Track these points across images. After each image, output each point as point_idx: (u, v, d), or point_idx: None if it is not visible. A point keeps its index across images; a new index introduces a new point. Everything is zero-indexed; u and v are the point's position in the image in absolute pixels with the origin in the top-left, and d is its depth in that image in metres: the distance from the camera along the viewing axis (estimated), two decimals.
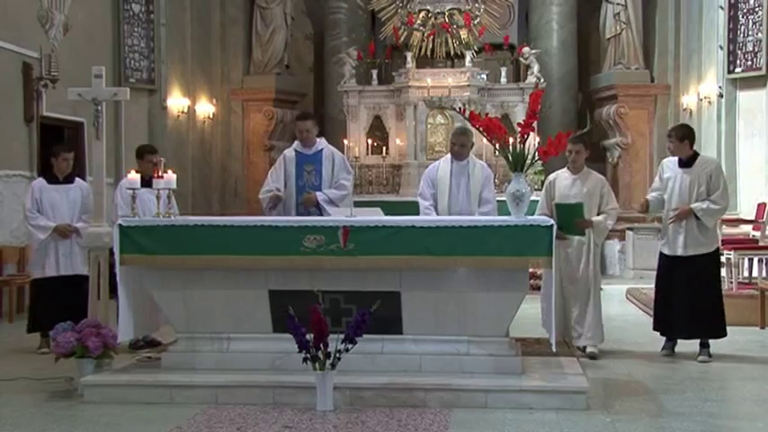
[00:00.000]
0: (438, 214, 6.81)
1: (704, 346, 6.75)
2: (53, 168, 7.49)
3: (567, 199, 6.71)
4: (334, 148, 7.43)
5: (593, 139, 14.39)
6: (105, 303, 6.34)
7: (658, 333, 6.98)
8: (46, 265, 7.22)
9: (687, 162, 6.78)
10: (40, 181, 7.51)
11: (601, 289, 7.05)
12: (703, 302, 6.67)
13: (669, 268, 6.84)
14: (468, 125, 6.29)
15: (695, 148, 6.92)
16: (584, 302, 6.75)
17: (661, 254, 6.94)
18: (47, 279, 7.22)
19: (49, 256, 7.20)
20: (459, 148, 6.89)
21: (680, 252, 6.74)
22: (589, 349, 6.75)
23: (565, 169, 6.97)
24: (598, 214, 6.74)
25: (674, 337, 6.90)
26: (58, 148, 7.66)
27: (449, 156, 7.07)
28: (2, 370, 6.49)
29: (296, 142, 7.34)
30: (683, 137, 6.82)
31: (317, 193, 6.99)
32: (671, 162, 6.93)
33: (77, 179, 7.62)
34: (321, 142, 7.26)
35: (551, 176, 7.06)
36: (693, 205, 6.66)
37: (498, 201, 6.88)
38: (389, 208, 7.01)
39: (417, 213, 7.01)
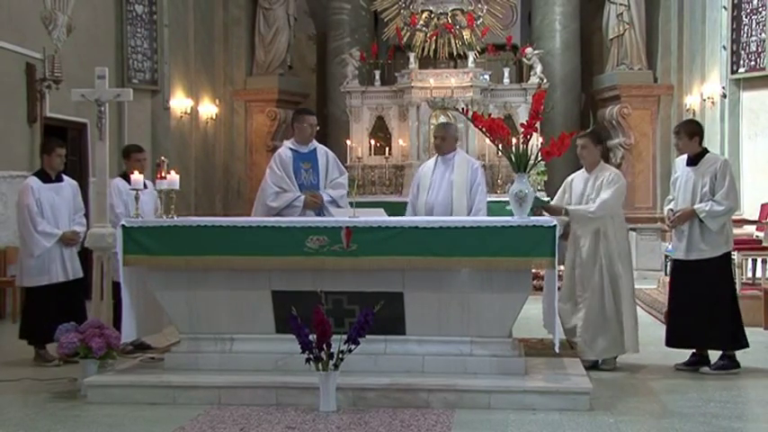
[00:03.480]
0: (416, 212, 6.74)
1: (721, 358, 6.36)
2: (43, 165, 7.18)
3: (581, 200, 6.46)
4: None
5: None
6: (108, 304, 6.33)
7: (671, 348, 6.51)
8: (51, 271, 6.96)
9: (694, 160, 6.45)
10: (35, 180, 7.12)
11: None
12: (707, 310, 6.29)
13: (675, 272, 6.58)
14: (461, 124, 6.29)
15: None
16: (590, 311, 6.37)
17: (673, 258, 6.63)
18: (50, 286, 6.96)
19: (54, 261, 6.97)
20: (440, 141, 6.88)
21: (682, 256, 6.42)
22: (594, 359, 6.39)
23: (582, 170, 6.68)
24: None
25: (679, 347, 6.50)
26: (51, 144, 7.32)
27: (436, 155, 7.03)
28: (5, 371, 6.51)
29: (289, 140, 7.08)
30: (693, 133, 6.49)
31: (323, 195, 6.79)
32: (680, 160, 6.63)
33: (65, 177, 7.30)
34: (314, 140, 7.06)
35: (570, 177, 6.78)
36: (696, 206, 6.31)
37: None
38: (392, 208, 7.02)
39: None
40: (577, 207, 6.42)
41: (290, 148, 6.95)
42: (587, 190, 6.52)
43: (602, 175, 6.53)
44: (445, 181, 6.76)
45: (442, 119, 13.66)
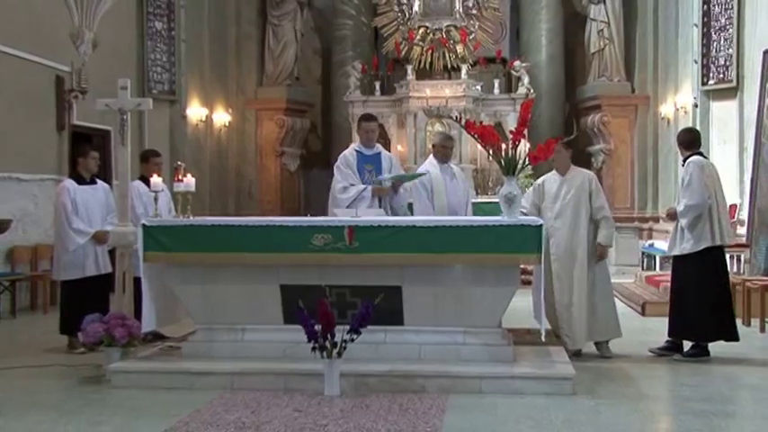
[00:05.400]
0: (436, 212, 6.79)
1: (693, 346, 6.35)
2: (78, 167, 7.18)
3: (556, 200, 6.47)
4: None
5: (579, 145, 14.45)
6: (130, 297, 6.33)
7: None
8: (86, 266, 6.94)
9: (684, 164, 6.56)
10: (71, 182, 7.12)
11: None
12: (678, 303, 6.35)
13: (672, 266, 6.63)
14: (455, 131, 6.41)
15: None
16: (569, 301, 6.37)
17: None
18: (82, 279, 6.93)
19: (88, 257, 6.94)
20: (449, 150, 7.17)
21: (668, 251, 6.55)
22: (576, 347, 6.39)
23: (553, 172, 6.70)
24: (598, 223, 6.42)
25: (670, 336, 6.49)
26: (86, 147, 7.36)
27: (431, 159, 7.16)
28: (38, 357, 6.53)
29: (355, 143, 7.14)
30: (680, 142, 6.63)
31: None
32: None
33: (99, 180, 7.32)
34: (378, 145, 7.10)
35: (540, 179, 6.79)
36: (677, 207, 6.42)
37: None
38: None
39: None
40: (606, 227, 6.44)
41: (356, 150, 6.99)
42: (563, 190, 6.51)
43: (577, 178, 6.53)
44: (454, 186, 7.01)
45: (438, 126, 13.67)
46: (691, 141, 6.63)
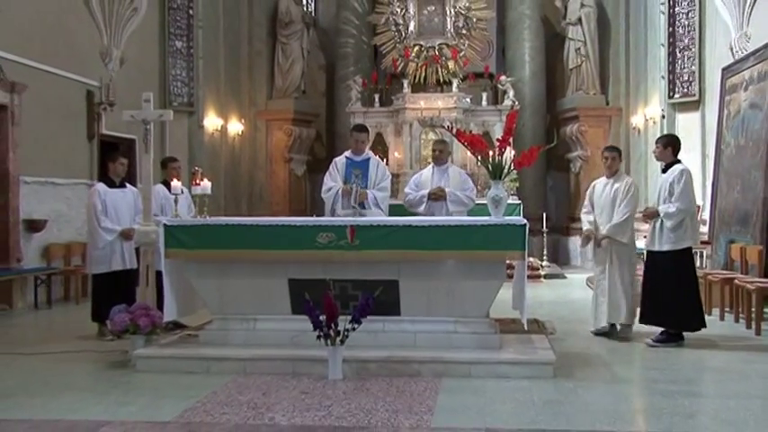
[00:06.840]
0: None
1: (662, 333, 6.34)
2: (109, 172, 7.17)
3: (600, 198, 6.79)
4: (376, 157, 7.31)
5: (559, 152, 14.46)
6: (152, 290, 6.32)
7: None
8: (112, 261, 6.94)
9: (666, 168, 6.52)
10: (101, 185, 7.13)
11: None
12: (659, 294, 6.32)
13: (646, 260, 6.63)
14: (447, 138, 6.44)
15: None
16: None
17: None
18: (110, 273, 6.94)
19: (115, 253, 6.95)
20: (438, 153, 7.15)
21: (647, 246, 6.53)
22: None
23: (605, 176, 6.94)
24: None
25: (642, 323, 6.50)
26: (115, 154, 7.38)
27: (431, 165, 7.20)
28: (71, 344, 6.53)
29: (348, 150, 7.16)
30: (667, 144, 6.56)
31: (368, 192, 6.89)
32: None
33: (128, 185, 7.33)
34: (368, 152, 7.14)
35: (594, 182, 7.08)
36: (659, 207, 6.37)
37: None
38: (389, 210, 7.02)
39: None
40: (616, 220, 6.63)
41: (346, 157, 7.07)
42: (606, 190, 6.80)
43: (620, 181, 6.79)
44: (443, 184, 6.98)
45: (432, 135, 13.66)
46: (679, 148, 6.65)
